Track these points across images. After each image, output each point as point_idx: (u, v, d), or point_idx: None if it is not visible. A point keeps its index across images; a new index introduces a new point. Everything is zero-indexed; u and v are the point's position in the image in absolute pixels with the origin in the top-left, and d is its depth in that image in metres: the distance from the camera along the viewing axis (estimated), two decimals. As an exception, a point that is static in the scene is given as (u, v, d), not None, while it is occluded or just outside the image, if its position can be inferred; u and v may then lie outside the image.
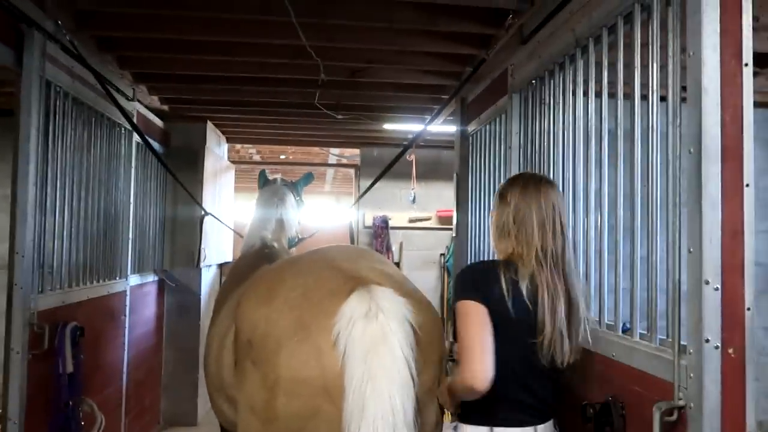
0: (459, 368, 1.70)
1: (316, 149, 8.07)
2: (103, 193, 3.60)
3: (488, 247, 3.42)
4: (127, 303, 4.02)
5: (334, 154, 7.99)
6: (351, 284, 1.86)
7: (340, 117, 4.89)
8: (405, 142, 5.65)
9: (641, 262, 1.80)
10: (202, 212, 3.85)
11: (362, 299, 1.78)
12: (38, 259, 2.79)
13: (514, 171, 2.88)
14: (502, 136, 3.16)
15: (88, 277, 3.38)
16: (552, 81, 2.53)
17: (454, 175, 4.06)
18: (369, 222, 6.38)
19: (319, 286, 1.95)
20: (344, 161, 8.19)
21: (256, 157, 8.75)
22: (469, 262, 3.79)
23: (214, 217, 3.89)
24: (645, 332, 1.74)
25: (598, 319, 1.99)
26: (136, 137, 4.09)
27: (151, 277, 4.73)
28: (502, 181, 3.16)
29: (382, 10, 3.12)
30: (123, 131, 3.91)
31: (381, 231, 6.33)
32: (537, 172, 2.66)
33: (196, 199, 3.98)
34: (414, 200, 5.46)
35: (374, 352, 1.70)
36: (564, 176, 2.38)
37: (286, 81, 4.27)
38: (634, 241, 1.83)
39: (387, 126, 5.59)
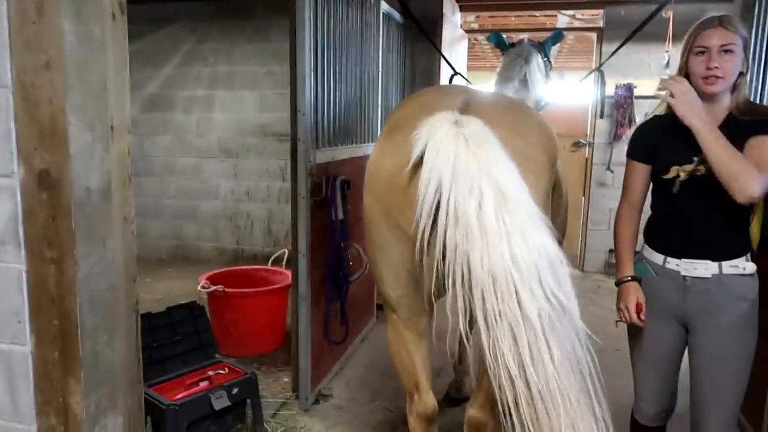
0: None
1: (541, 18, 7.49)
2: (358, 62, 3.86)
3: None
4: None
5: (565, 14, 7.30)
6: (455, 108, 1.75)
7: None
8: (660, -2, 4.93)
9: None
10: (450, 76, 3.92)
11: (453, 115, 1.65)
12: (314, 118, 3.15)
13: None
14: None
15: (348, 139, 3.75)
16: None
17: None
18: (610, 91, 5.87)
19: (437, 102, 1.88)
20: (576, 24, 7.48)
21: (475, 27, 8.44)
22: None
23: (463, 77, 3.93)
24: None
25: None
26: (382, 7, 4.23)
27: (393, 145, 5.05)
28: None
29: None
30: (371, 1, 4.06)
31: (624, 101, 5.81)
32: None
33: (446, 58, 4.05)
34: (668, 64, 4.81)
35: (482, 144, 1.55)
36: None
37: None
38: None
39: (639, -21, 4.91)
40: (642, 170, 2.10)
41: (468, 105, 1.82)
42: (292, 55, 3.00)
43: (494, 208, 1.47)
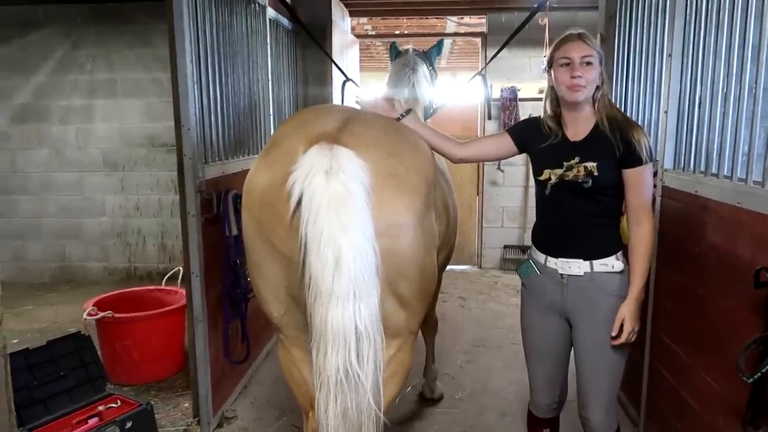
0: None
1: (432, 21, 7.70)
2: (246, 70, 3.76)
3: (639, 112, 3.19)
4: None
5: (452, 20, 7.56)
6: (324, 136, 1.76)
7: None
8: (536, 5, 5.23)
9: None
10: (342, 82, 3.90)
11: (326, 158, 1.67)
12: (201, 132, 3.03)
13: (678, 24, 2.59)
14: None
15: (240, 151, 3.64)
16: None
17: (598, 36, 3.73)
18: (497, 94, 6.15)
19: (316, 122, 1.90)
20: (462, 29, 7.77)
21: (371, 33, 8.55)
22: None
23: (354, 82, 3.93)
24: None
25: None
26: (269, 14, 4.15)
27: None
28: (659, 37, 2.88)
29: None
30: (257, 8, 3.97)
31: (509, 103, 6.10)
32: (712, 22, 2.37)
33: (338, 66, 4.04)
34: (546, 69, 5.13)
35: (338, 208, 1.62)
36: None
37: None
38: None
39: (517, -13, 5.18)
40: (504, 141, 2.28)
41: (344, 128, 1.83)
42: (172, 66, 2.86)
43: (331, 273, 1.60)
